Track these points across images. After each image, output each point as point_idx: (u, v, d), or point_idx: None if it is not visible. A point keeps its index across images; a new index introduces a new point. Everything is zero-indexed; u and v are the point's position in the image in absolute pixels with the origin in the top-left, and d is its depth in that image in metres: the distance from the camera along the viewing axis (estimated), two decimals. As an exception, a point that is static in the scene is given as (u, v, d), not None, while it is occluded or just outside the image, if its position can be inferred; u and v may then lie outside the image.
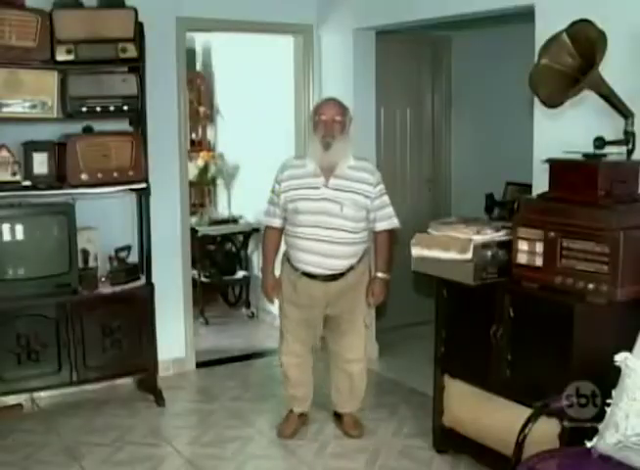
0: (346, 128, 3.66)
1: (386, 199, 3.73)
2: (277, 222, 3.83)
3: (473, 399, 3.46)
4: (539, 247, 3.07)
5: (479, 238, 3.22)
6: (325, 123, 3.62)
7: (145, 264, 4.43)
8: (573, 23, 3.02)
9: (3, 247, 4.01)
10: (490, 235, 3.25)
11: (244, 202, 6.30)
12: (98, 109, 4.08)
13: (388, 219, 3.74)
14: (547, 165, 3.19)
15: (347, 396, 3.97)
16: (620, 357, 2.60)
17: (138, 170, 4.23)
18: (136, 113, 4.23)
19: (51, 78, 4.01)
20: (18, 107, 3.93)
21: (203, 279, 6.04)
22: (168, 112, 4.66)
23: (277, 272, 3.88)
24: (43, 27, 3.89)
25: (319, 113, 3.67)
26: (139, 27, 4.14)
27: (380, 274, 3.79)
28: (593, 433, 2.62)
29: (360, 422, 4.01)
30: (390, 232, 3.78)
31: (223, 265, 6.23)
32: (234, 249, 6.37)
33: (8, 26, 3.82)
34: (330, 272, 3.66)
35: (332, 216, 3.60)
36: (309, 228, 3.63)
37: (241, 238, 6.29)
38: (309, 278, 3.68)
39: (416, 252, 3.45)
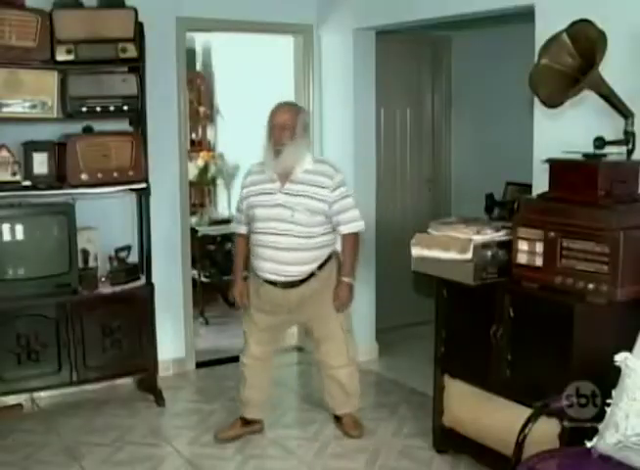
0: (298, 133, 3.58)
1: (347, 202, 3.64)
2: (243, 229, 3.83)
3: (473, 399, 3.46)
4: (539, 247, 3.07)
5: (479, 238, 3.22)
6: (274, 131, 3.59)
7: (145, 264, 4.43)
8: (573, 23, 3.02)
9: (3, 247, 4.01)
10: (490, 235, 3.25)
11: (244, 202, 6.29)
12: (98, 109, 4.08)
13: (349, 223, 3.65)
14: (547, 165, 3.19)
15: (342, 399, 3.96)
16: (620, 357, 2.60)
17: (138, 170, 4.23)
18: (136, 113, 4.23)
19: (51, 78, 4.01)
20: (18, 107, 3.93)
21: (203, 279, 6.04)
22: (168, 112, 4.66)
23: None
24: (43, 27, 3.89)
25: (270, 119, 3.64)
26: (139, 27, 4.14)
27: (344, 278, 3.70)
28: (593, 433, 2.62)
29: (360, 422, 4.00)
30: (354, 236, 3.70)
31: (223, 265, 6.22)
32: (234, 249, 6.35)
33: (8, 26, 3.82)
34: (287, 279, 3.61)
35: (284, 222, 3.56)
36: (265, 235, 3.61)
37: (241, 238, 6.28)
38: (270, 285, 3.66)
39: (416, 252, 3.45)
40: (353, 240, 3.71)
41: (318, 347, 3.88)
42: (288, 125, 3.57)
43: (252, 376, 3.90)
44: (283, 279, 3.62)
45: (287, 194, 3.57)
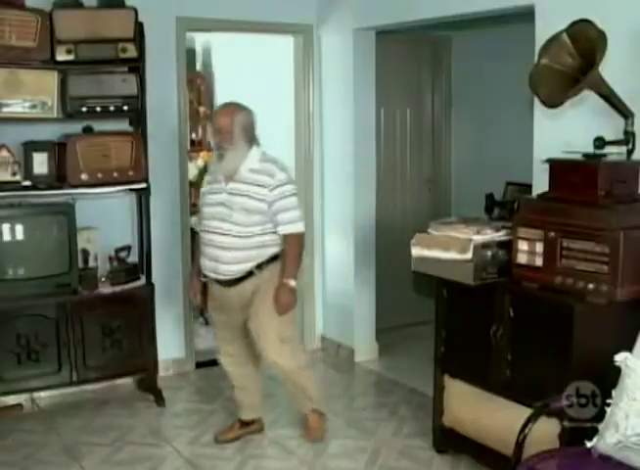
0: (237, 136, 3.54)
1: (287, 202, 3.55)
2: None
3: (473, 399, 3.46)
4: (539, 247, 3.07)
5: (479, 238, 3.22)
6: (215, 135, 3.60)
7: (145, 264, 4.42)
8: (573, 23, 3.02)
9: (3, 247, 4.01)
10: (490, 235, 3.25)
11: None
12: (98, 109, 4.08)
13: (286, 224, 3.57)
14: (547, 165, 3.19)
15: (291, 398, 3.95)
16: (620, 357, 2.60)
17: (138, 170, 4.23)
18: (136, 113, 4.23)
19: (51, 78, 4.01)
20: (18, 107, 3.93)
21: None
22: (168, 112, 4.66)
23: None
24: (43, 27, 3.89)
25: (211, 123, 3.66)
26: (139, 27, 4.14)
27: (283, 280, 3.58)
28: (593, 433, 2.62)
29: (315, 424, 3.91)
30: (293, 237, 3.59)
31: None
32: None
33: (8, 26, 3.82)
34: (225, 278, 3.60)
35: (224, 222, 3.55)
36: (208, 234, 3.62)
37: (241, 238, 6.27)
38: (216, 283, 3.68)
39: (416, 252, 3.45)
40: (292, 241, 3.59)
41: (255, 345, 3.75)
42: (226, 129, 3.53)
43: (238, 377, 3.90)
44: (222, 278, 3.62)
45: (229, 193, 3.56)
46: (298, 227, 3.61)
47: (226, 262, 3.57)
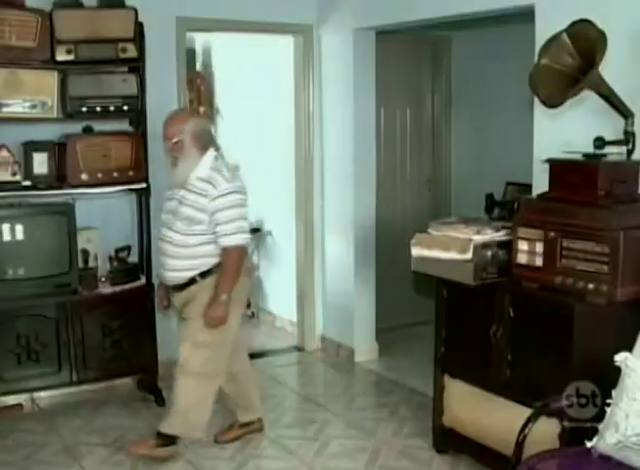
0: (187, 145, 3.48)
1: (227, 214, 3.44)
2: None
3: (473, 399, 3.46)
4: (539, 247, 3.07)
5: (479, 238, 3.22)
6: (165, 144, 3.57)
7: (145, 264, 4.42)
8: (573, 23, 3.01)
9: (3, 247, 4.01)
10: (490, 235, 3.25)
11: (244, 202, 6.30)
12: (98, 109, 4.08)
13: (223, 236, 3.45)
14: (547, 165, 3.19)
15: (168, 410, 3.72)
16: (620, 357, 2.60)
17: (138, 170, 4.23)
18: (136, 113, 4.23)
19: (51, 78, 4.01)
20: (18, 107, 3.94)
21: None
22: (168, 112, 4.64)
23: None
24: (43, 27, 3.89)
25: (162, 131, 3.59)
26: (139, 27, 4.14)
27: (217, 292, 3.47)
28: (593, 433, 2.62)
29: (152, 448, 3.65)
30: (230, 250, 3.47)
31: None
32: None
33: (8, 26, 3.82)
34: (170, 283, 3.62)
35: (169, 230, 3.54)
36: (159, 241, 3.64)
37: (241, 238, 6.28)
38: (170, 288, 3.69)
39: (416, 252, 3.45)
40: (229, 254, 3.47)
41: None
42: (175, 139, 3.49)
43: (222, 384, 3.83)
44: (168, 283, 3.65)
45: (179, 202, 3.52)
46: (236, 240, 3.48)
47: (169, 270, 3.57)
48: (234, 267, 3.49)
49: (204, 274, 3.53)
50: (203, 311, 3.49)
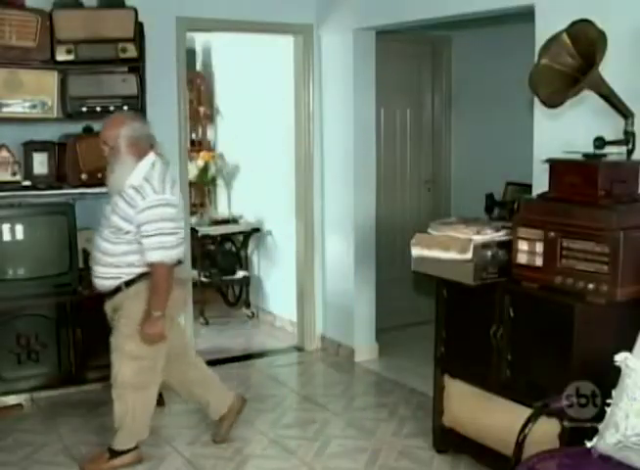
0: (122, 151, 3.37)
1: (151, 228, 3.31)
2: None
3: (473, 399, 3.46)
4: (539, 247, 3.07)
5: (479, 238, 3.22)
6: (103, 147, 3.45)
7: (145, 264, 4.42)
8: (573, 23, 3.01)
9: (3, 247, 4.01)
10: (490, 235, 3.25)
11: (244, 202, 6.31)
12: (98, 109, 4.08)
13: (147, 251, 3.34)
14: (547, 165, 3.19)
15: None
16: (620, 357, 2.60)
17: (138, 170, 4.22)
18: (136, 113, 4.22)
19: (51, 78, 4.01)
20: (18, 107, 3.94)
21: (202, 279, 6.04)
22: (168, 112, 4.66)
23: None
24: (43, 27, 3.90)
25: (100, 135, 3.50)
26: (139, 27, 4.15)
27: (151, 310, 3.38)
28: (593, 433, 2.62)
29: (100, 464, 3.57)
30: (155, 266, 3.34)
31: (223, 265, 6.23)
32: (234, 249, 6.37)
33: (8, 26, 3.83)
34: (99, 290, 3.55)
35: (98, 236, 3.50)
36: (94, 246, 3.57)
37: (241, 238, 6.29)
38: None
39: (416, 252, 3.45)
40: (155, 270, 3.35)
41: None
42: (111, 144, 3.40)
43: (178, 388, 3.82)
44: (97, 290, 3.58)
45: (112, 209, 3.44)
46: (159, 256, 3.34)
47: (96, 277, 3.51)
48: (162, 284, 3.37)
49: (128, 283, 3.44)
50: (138, 327, 3.40)
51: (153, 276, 3.38)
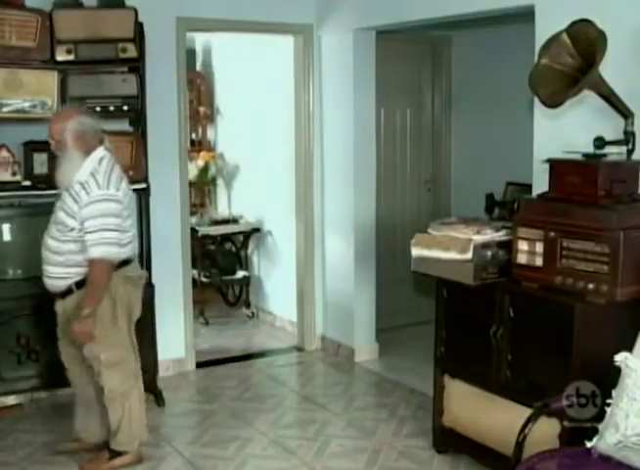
0: (69, 145, 3.30)
1: (94, 223, 3.22)
2: None
3: (473, 399, 3.46)
4: (539, 247, 3.07)
5: (479, 238, 3.22)
6: (50, 141, 3.38)
7: (145, 265, 4.41)
8: (573, 23, 3.02)
9: (3, 247, 4.01)
10: (490, 235, 3.25)
11: (244, 202, 6.31)
12: (98, 109, 4.07)
13: (89, 247, 3.23)
14: (547, 165, 3.19)
15: (99, 430, 3.65)
16: (620, 357, 2.60)
17: (138, 170, 4.23)
18: (136, 113, 4.23)
19: (51, 78, 4.01)
20: (18, 107, 3.93)
21: (203, 279, 6.04)
22: (168, 112, 4.65)
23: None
24: (43, 27, 3.89)
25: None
26: (139, 27, 4.14)
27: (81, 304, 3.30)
28: (593, 433, 2.62)
29: (99, 464, 3.55)
30: (93, 262, 3.25)
31: (223, 265, 6.23)
32: (234, 249, 6.37)
33: (8, 26, 3.83)
34: (50, 290, 3.44)
35: (46, 234, 3.38)
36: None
37: (241, 238, 6.29)
38: None
39: (416, 252, 3.45)
40: (92, 266, 3.26)
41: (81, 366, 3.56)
42: (56, 138, 3.32)
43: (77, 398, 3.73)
44: (48, 290, 3.46)
45: (60, 205, 3.35)
46: (100, 252, 3.24)
47: (46, 276, 3.41)
48: (97, 281, 3.27)
49: (79, 284, 3.35)
50: (106, 332, 3.34)
51: (90, 272, 3.27)
